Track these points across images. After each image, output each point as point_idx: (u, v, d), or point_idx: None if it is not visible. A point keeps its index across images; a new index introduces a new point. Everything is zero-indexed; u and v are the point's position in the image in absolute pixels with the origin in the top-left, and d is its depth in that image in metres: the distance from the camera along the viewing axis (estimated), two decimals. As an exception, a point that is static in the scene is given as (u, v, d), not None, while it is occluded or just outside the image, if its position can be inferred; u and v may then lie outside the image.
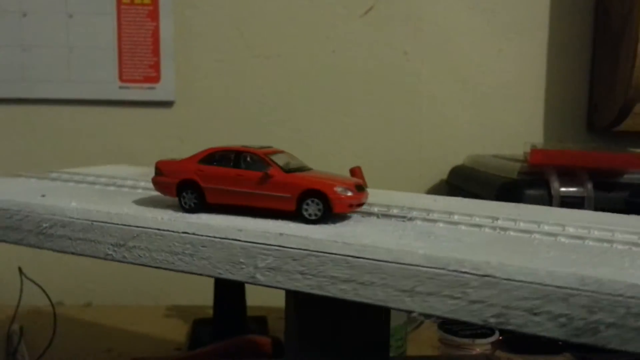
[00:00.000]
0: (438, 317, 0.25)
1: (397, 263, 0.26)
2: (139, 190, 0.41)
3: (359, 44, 0.90)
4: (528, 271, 0.23)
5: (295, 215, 0.33)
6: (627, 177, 0.66)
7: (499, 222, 0.32)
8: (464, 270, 0.25)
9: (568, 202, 0.63)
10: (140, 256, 0.34)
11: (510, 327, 0.23)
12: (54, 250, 0.35)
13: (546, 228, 0.31)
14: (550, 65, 0.92)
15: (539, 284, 0.23)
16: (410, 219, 0.33)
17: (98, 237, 0.34)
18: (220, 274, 0.31)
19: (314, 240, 0.29)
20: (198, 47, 0.87)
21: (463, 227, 0.32)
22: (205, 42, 0.88)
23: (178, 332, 0.73)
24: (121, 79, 0.86)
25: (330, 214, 0.32)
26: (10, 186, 0.41)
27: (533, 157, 0.66)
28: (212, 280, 0.66)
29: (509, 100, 0.92)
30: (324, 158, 0.88)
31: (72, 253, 0.34)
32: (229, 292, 0.66)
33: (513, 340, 0.63)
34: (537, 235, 0.30)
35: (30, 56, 0.84)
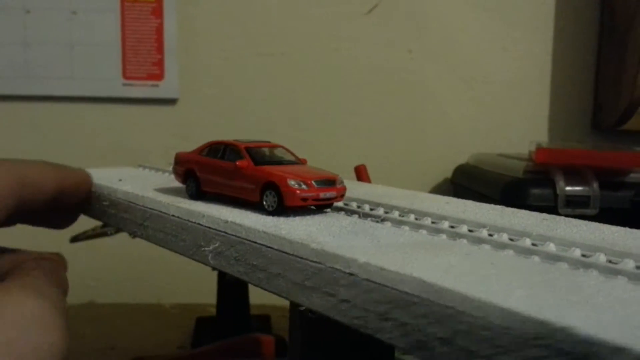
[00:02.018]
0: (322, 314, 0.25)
1: (294, 255, 0.27)
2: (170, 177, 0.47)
3: (363, 42, 0.90)
4: (384, 273, 0.22)
5: (261, 207, 0.34)
6: (633, 177, 0.66)
7: (440, 225, 0.31)
8: (336, 267, 0.24)
9: (573, 201, 0.62)
10: (150, 235, 0.38)
11: (369, 331, 0.23)
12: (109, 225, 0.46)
13: (481, 234, 0.29)
14: (555, 63, 0.92)
15: (389, 287, 0.22)
16: (384, 220, 0.33)
17: (130, 216, 0.39)
18: (191, 255, 0.34)
19: (245, 228, 0.30)
20: (202, 45, 0.87)
21: (407, 228, 0.31)
22: (209, 40, 0.87)
23: (181, 330, 0.73)
24: (125, 76, 0.86)
25: (284, 205, 0.33)
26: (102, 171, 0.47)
27: (539, 156, 0.66)
28: (215, 279, 0.66)
29: (514, 99, 0.92)
30: (328, 156, 0.88)
31: (119, 228, 0.42)
32: (232, 290, 0.66)
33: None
34: (465, 241, 0.28)
35: (33, 53, 0.84)
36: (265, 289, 0.28)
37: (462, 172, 0.85)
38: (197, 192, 0.38)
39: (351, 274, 0.23)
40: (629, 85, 0.82)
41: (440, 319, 0.20)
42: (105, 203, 0.42)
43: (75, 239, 0.66)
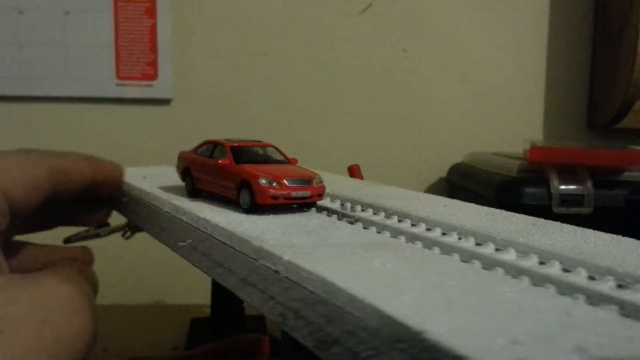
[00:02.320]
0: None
1: (239, 252, 0.27)
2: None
3: (357, 42, 0.89)
4: (298, 271, 0.22)
5: (238, 204, 0.35)
6: (627, 175, 0.66)
7: (404, 225, 0.30)
8: (266, 264, 0.25)
9: (568, 200, 0.62)
10: (150, 230, 0.40)
11: (287, 329, 0.23)
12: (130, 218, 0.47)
13: (451, 239, 0.28)
14: (550, 62, 0.92)
15: (300, 285, 0.22)
16: (357, 219, 0.33)
17: (140, 211, 0.41)
18: (177, 249, 0.35)
19: (211, 225, 0.31)
20: (196, 45, 0.87)
21: (360, 226, 0.31)
22: (203, 40, 0.87)
23: (175, 331, 0.73)
24: (118, 76, 0.85)
25: (256, 204, 0.33)
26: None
27: (533, 155, 0.66)
28: (209, 279, 0.65)
29: (509, 97, 0.92)
30: (323, 156, 0.88)
31: (137, 223, 0.44)
32: (227, 290, 0.66)
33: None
34: (419, 244, 0.27)
35: (26, 54, 0.84)
36: (223, 285, 0.29)
37: (458, 171, 0.85)
38: (193, 190, 0.39)
39: (276, 272, 0.24)
40: (623, 84, 0.82)
41: (334, 319, 0.20)
42: (124, 199, 0.44)
43: (68, 240, 0.65)
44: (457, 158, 0.87)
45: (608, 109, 0.86)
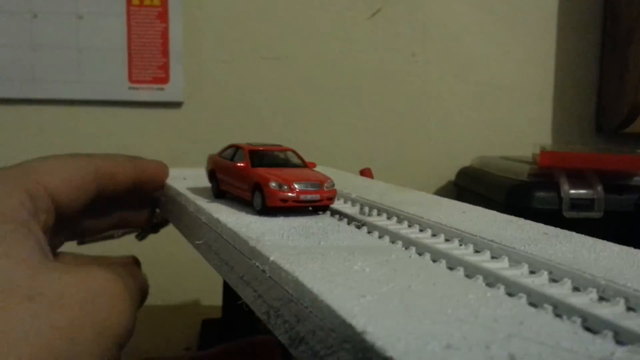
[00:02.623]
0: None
1: (240, 252, 0.29)
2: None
3: (366, 46, 0.90)
4: (279, 272, 0.24)
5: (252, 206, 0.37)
6: (637, 180, 0.66)
7: (408, 231, 0.31)
8: (256, 263, 0.26)
9: (578, 205, 0.63)
10: (180, 228, 0.42)
11: (269, 326, 0.24)
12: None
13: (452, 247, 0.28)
14: (558, 66, 0.92)
15: (280, 285, 0.23)
16: (364, 223, 0.33)
17: (174, 210, 0.43)
18: (196, 247, 0.37)
19: (221, 225, 0.32)
20: (207, 48, 0.88)
21: (364, 230, 0.32)
22: (214, 44, 0.88)
23: (187, 332, 0.73)
24: (130, 80, 0.86)
25: (266, 206, 0.35)
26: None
27: (543, 159, 0.66)
28: (220, 280, 0.66)
29: (517, 101, 0.92)
30: (332, 159, 0.88)
31: (172, 221, 0.46)
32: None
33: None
34: (413, 250, 0.28)
35: (40, 57, 0.85)
36: (229, 283, 0.30)
37: (466, 175, 0.85)
38: (218, 191, 0.41)
39: (263, 271, 0.25)
40: (632, 88, 0.82)
41: (302, 318, 0.21)
42: (163, 198, 0.46)
43: (82, 241, 0.66)
44: (466, 162, 0.88)
45: (616, 113, 0.86)
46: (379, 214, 0.36)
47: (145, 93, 0.87)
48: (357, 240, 0.30)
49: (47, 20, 0.85)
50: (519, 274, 0.24)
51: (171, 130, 0.88)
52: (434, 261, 0.26)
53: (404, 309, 0.19)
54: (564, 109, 0.93)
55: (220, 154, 0.42)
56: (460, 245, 0.28)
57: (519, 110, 0.93)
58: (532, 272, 0.24)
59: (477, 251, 0.28)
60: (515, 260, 0.26)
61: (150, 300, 0.87)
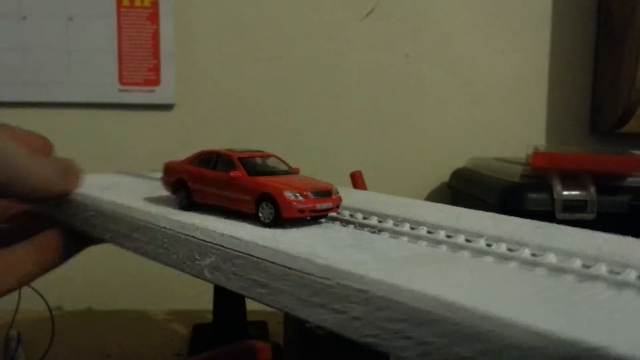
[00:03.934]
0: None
1: (298, 271, 0.26)
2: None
3: (360, 47, 0.89)
4: (396, 290, 0.22)
5: (256, 218, 0.34)
6: (631, 181, 0.66)
7: (436, 235, 0.31)
8: (346, 283, 0.24)
9: (571, 206, 0.62)
10: (139, 247, 0.36)
11: (385, 350, 0.22)
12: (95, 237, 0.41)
13: (480, 245, 0.29)
14: (552, 66, 0.92)
15: (404, 304, 0.21)
16: (380, 230, 0.33)
17: (117, 227, 0.38)
18: (183, 269, 0.33)
19: (244, 242, 0.29)
20: (198, 50, 0.87)
21: (405, 239, 0.31)
22: (205, 45, 0.87)
23: (178, 337, 0.73)
24: (121, 82, 0.85)
25: (281, 217, 0.33)
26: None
27: (536, 160, 0.66)
28: (211, 285, 0.65)
29: (511, 102, 0.92)
30: (325, 161, 0.88)
31: (107, 240, 0.39)
32: (229, 296, 0.66)
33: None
34: (466, 254, 0.28)
35: (30, 59, 0.84)
36: (267, 305, 0.28)
37: (460, 176, 0.84)
38: (189, 202, 0.38)
39: (363, 291, 0.23)
40: (626, 89, 0.82)
41: (465, 338, 0.19)
42: (91, 213, 0.39)
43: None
44: (459, 163, 0.87)
45: (611, 114, 0.86)
46: (365, 218, 0.35)
47: (136, 95, 0.86)
48: (407, 249, 0.29)
49: (37, 22, 0.84)
50: (579, 267, 0.25)
51: (163, 132, 0.87)
52: (505, 262, 0.27)
53: (581, 317, 0.19)
54: (559, 109, 0.92)
55: (190, 162, 0.39)
56: (490, 245, 0.29)
57: (513, 111, 0.92)
58: (586, 266, 0.25)
59: (510, 250, 0.28)
60: (564, 255, 0.27)
61: (140, 306, 0.87)
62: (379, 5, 0.89)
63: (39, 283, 0.68)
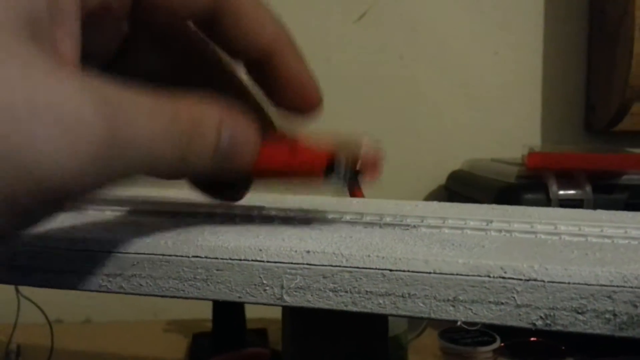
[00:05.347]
0: (483, 324, 0.26)
1: (437, 273, 0.26)
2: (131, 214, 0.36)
3: (354, 49, 0.89)
4: (572, 272, 0.24)
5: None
6: (626, 179, 0.66)
7: (495, 225, 0.32)
8: (507, 276, 0.25)
9: (567, 205, 0.62)
10: (142, 285, 0.30)
11: (556, 328, 0.25)
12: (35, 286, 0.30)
13: (542, 227, 0.31)
14: (546, 66, 0.92)
15: (584, 284, 0.24)
16: (415, 226, 0.33)
17: (88, 268, 0.30)
18: (239, 297, 0.28)
19: (345, 256, 0.27)
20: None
21: (469, 232, 0.31)
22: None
23: (177, 346, 0.72)
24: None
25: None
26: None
27: (531, 160, 0.66)
28: (210, 294, 0.65)
29: (506, 102, 0.92)
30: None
31: (58, 287, 0.30)
32: (228, 305, 0.66)
33: (515, 347, 0.62)
34: (542, 236, 0.30)
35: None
36: (385, 314, 0.27)
37: (456, 178, 0.84)
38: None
39: (530, 279, 0.25)
40: (620, 86, 0.82)
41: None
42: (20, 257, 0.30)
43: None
44: (456, 165, 0.87)
45: (605, 112, 0.86)
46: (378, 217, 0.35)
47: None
48: (473, 240, 0.30)
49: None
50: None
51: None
52: (557, 237, 0.30)
53: None
54: (553, 109, 0.92)
55: None
56: (510, 224, 0.32)
57: (508, 111, 0.92)
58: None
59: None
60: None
61: (139, 316, 0.87)
62: (373, 7, 0.89)
63: (38, 296, 0.68)
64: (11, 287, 0.68)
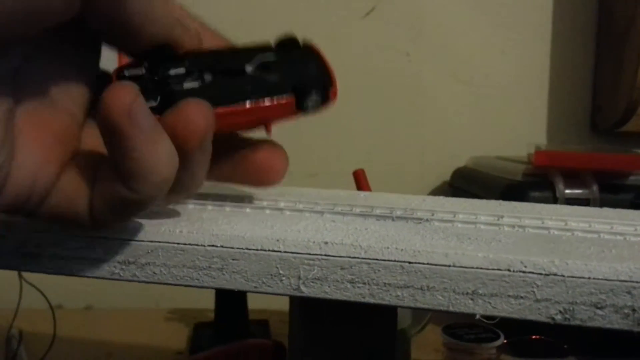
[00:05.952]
0: (502, 318, 0.26)
1: (457, 266, 0.26)
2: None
3: (360, 45, 0.89)
4: (592, 268, 0.25)
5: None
6: (633, 179, 0.66)
7: (506, 220, 0.32)
8: (528, 270, 0.25)
9: (573, 204, 0.62)
10: (156, 273, 0.30)
11: (575, 322, 0.25)
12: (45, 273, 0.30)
13: (553, 224, 0.32)
14: (553, 65, 0.92)
15: (603, 279, 0.25)
16: (427, 220, 0.32)
17: (100, 255, 0.30)
18: (255, 287, 0.28)
19: (363, 248, 0.27)
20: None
21: (482, 227, 0.32)
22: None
23: (179, 336, 0.72)
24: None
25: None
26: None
27: (537, 158, 0.66)
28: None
29: (512, 101, 0.92)
30: (326, 160, 0.88)
31: (69, 274, 0.31)
32: (230, 295, 0.66)
33: (518, 344, 0.62)
34: (555, 232, 0.31)
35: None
36: (403, 306, 0.27)
37: (461, 175, 0.84)
38: None
39: (550, 274, 0.25)
40: (627, 87, 0.82)
41: None
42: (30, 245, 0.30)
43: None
44: (461, 162, 0.87)
45: (612, 113, 0.86)
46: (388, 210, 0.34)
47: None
48: (488, 234, 0.30)
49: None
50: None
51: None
52: (569, 233, 0.31)
53: None
54: (560, 108, 0.92)
55: None
56: (521, 220, 0.32)
57: (514, 110, 0.92)
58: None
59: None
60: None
61: (142, 304, 0.87)
62: (380, 3, 0.89)
63: (40, 281, 0.68)
64: (13, 272, 0.68)
